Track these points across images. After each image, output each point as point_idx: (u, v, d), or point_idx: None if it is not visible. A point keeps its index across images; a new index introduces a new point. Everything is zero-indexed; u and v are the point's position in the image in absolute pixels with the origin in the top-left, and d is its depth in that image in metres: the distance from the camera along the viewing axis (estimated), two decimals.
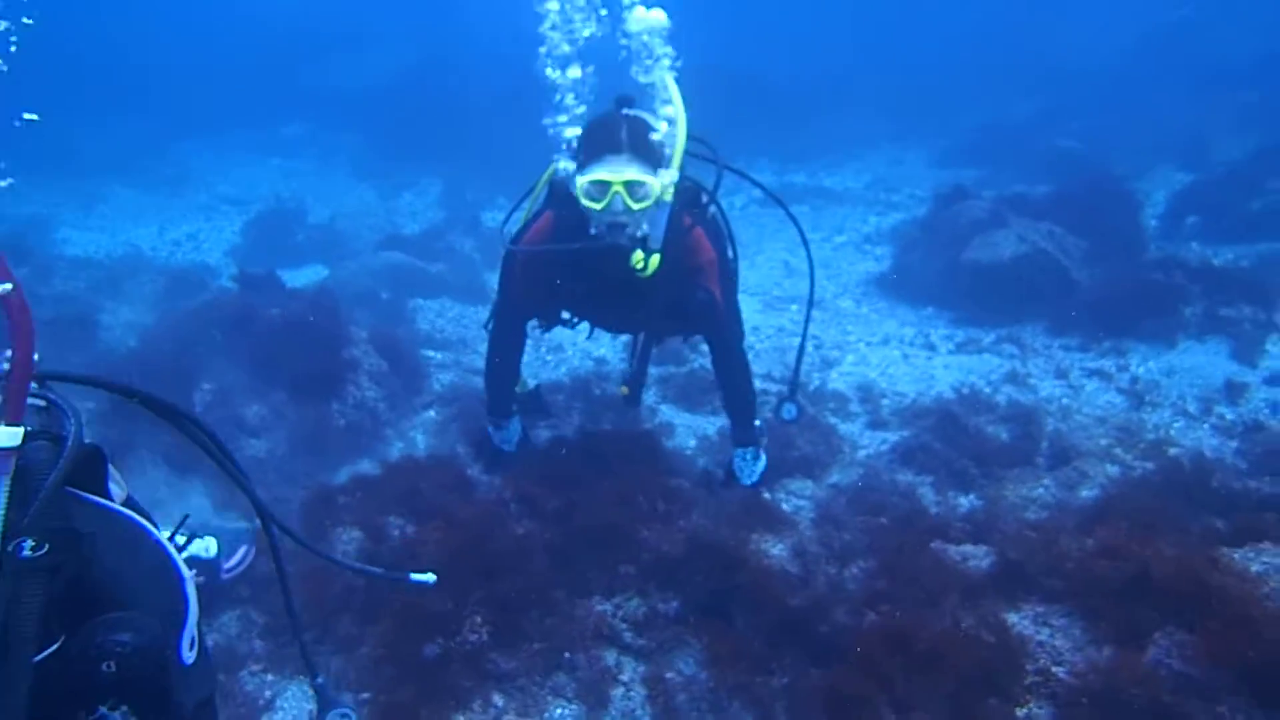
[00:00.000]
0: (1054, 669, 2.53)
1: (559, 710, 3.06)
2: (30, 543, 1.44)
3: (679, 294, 3.47)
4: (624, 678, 3.16)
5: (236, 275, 6.40)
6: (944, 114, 13.64)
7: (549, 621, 3.23)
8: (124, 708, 1.75)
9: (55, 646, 1.51)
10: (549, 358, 5.99)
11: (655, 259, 3.20)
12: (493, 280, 4.48)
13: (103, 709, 1.72)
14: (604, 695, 3.09)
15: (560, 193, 3.44)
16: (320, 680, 2.18)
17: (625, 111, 3.28)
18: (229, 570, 3.15)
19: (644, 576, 3.31)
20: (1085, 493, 3.93)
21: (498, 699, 3.05)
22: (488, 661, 3.12)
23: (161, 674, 1.68)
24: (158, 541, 1.76)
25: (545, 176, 3.70)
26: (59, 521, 1.51)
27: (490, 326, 3.97)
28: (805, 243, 4.48)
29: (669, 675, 3.16)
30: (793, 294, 7.76)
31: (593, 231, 3.27)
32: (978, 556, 3.03)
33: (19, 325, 1.52)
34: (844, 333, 6.73)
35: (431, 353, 6.30)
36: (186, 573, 1.78)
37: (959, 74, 14.75)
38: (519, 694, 3.09)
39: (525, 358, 4.11)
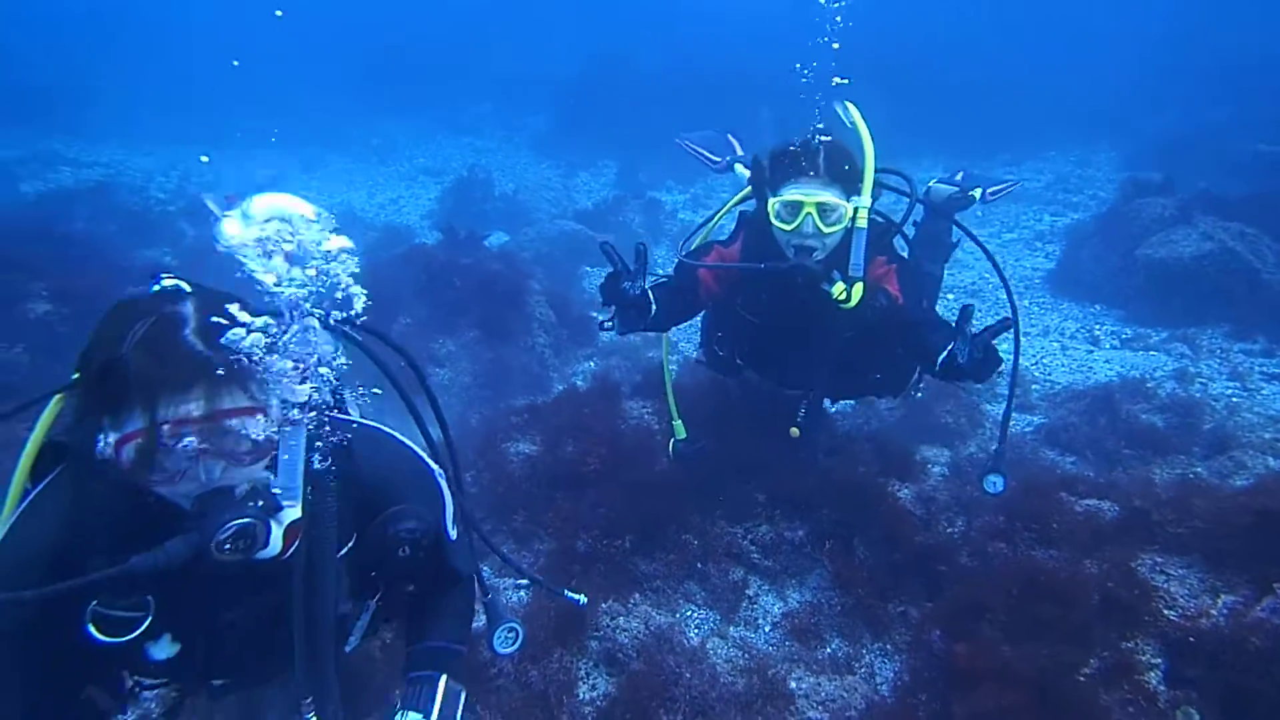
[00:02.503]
0: (1165, 611, 2.61)
1: (689, 611, 3.41)
2: (317, 456, 1.72)
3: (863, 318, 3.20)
4: (749, 592, 3.47)
5: (444, 229, 7.16)
6: (1136, 117, 12.93)
7: (685, 537, 3.59)
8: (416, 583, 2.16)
9: (351, 544, 1.89)
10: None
11: (859, 288, 3.05)
12: (657, 252, 4.45)
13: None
14: (731, 604, 3.42)
15: (749, 219, 3.43)
16: (490, 598, 2.38)
17: (822, 138, 3.23)
18: None
19: (773, 505, 3.59)
20: (1239, 481, 3.85)
21: (636, 596, 3.43)
22: (630, 564, 3.52)
23: (441, 550, 2.09)
24: (402, 442, 2.08)
25: (732, 202, 3.77)
26: (333, 430, 1.77)
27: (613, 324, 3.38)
28: (1011, 299, 3.86)
29: (792, 594, 3.45)
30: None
31: (782, 255, 3.19)
32: (1103, 508, 3.11)
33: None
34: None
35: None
36: (434, 465, 2.09)
37: (1155, 76, 13.90)
38: (654, 594, 3.46)
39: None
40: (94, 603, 1.63)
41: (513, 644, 2.37)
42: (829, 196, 3.06)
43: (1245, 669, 2.33)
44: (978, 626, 2.77)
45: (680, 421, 3.79)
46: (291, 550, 1.63)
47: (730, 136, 5.06)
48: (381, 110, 15.88)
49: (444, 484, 2.11)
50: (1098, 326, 6.54)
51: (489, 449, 4.13)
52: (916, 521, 3.41)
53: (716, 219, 3.84)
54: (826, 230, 3.08)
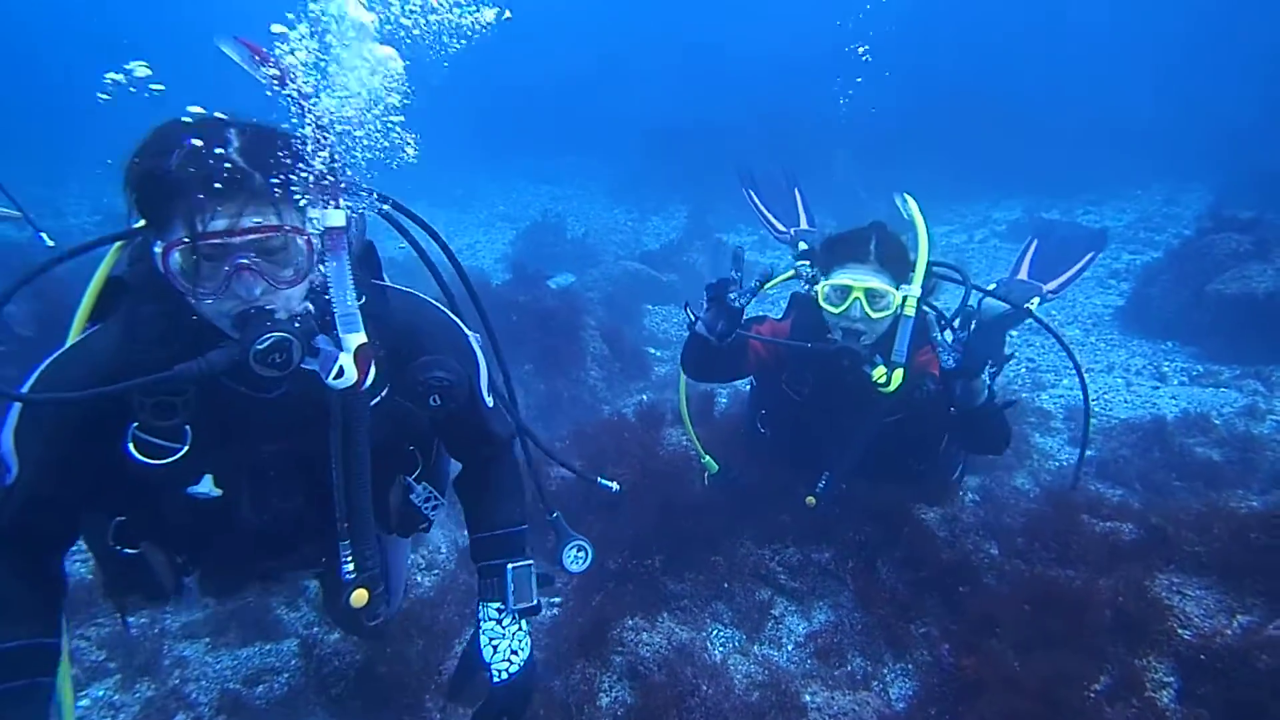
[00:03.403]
0: (1180, 631, 2.56)
1: (715, 631, 3.48)
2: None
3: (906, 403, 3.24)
4: (775, 612, 3.52)
5: (514, 270, 7.55)
6: (1229, 156, 12.48)
7: (713, 558, 3.67)
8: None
9: (384, 393, 1.94)
10: None
11: (899, 374, 3.07)
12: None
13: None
14: (756, 624, 3.47)
15: (802, 298, 3.48)
16: (556, 515, 2.49)
17: (877, 226, 3.28)
18: None
19: (801, 527, 3.64)
20: None
21: (665, 615, 3.51)
22: (659, 583, 3.61)
23: (475, 405, 2.15)
24: (438, 305, 2.18)
25: (782, 277, 3.87)
26: (369, 276, 1.89)
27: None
28: (1081, 381, 4.00)
29: (817, 614, 3.49)
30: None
31: (830, 337, 3.25)
32: (1123, 530, 3.07)
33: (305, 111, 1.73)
34: (1064, 358, 6.54)
35: (653, 350, 7.00)
36: (469, 332, 2.17)
37: (1256, 113, 13.42)
38: (682, 613, 3.54)
39: None
40: (134, 424, 1.75)
41: (583, 562, 2.45)
42: (878, 283, 3.10)
43: (1257, 685, 2.28)
44: (987, 640, 2.77)
45: (710, 458, 3.90)
46: (369, 379, 1.73)
47: (796, 191, 5.15)
48: (470, 162, 16.67)
49: (478, 349, 2.19)
50: (1166, 363, 6.35)
51: (530, 471, 4.31)
52: (940, 543, 3.41)
53: (771, 286, 3.87)
54: (874, 316, 3.12)
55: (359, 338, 1.71)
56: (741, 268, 3.24)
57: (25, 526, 1.81)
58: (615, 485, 2.90)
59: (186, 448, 1.78)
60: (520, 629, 2.19)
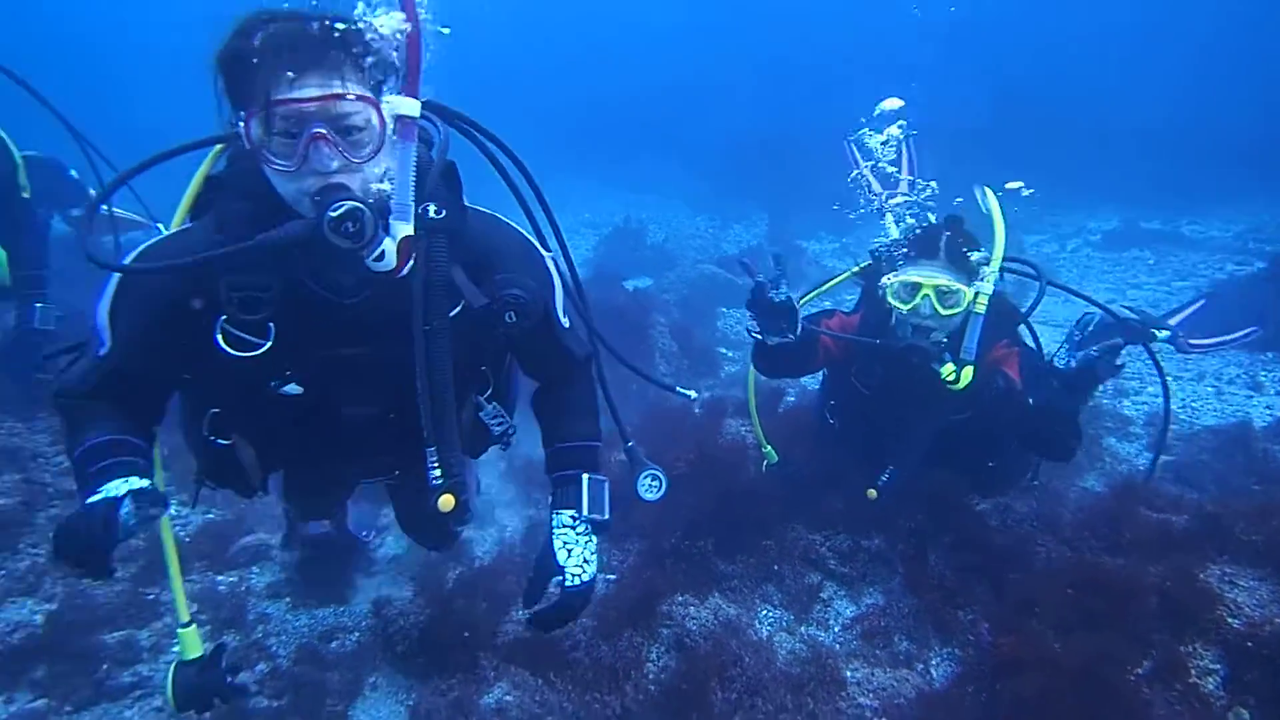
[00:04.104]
0: (1229, 620, 2.50)
1: (764, 611, 3.53)
2: (433, 207, 1.88)
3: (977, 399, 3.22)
4: (824, 595, 3.56)
5: (594, 270, 7.76)
6: None
7: (765, 542, 3.73)
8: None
9: (460, 306, 1.99)
10: None
11: (968, 371, 3.05)
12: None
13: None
14: (804, 606, 3.52)
15: (870, 294, 3.47)
16: (631, 444, 2.52)
17: (950, 223, 3.27)
18: None
19: (852, 513, 3.66)
20: None
21: (715, 594, 3.59)
22: (710, 564, 3.69)
23: (550, 324, 2.19)
24: (517, 228, 2.20)
25: (845, 275, 3.84)
26: (450, 195, 1.95)
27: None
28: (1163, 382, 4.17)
29: (866, 599, 3.51)
30: None
31: (896, 331, 3.28)
32: (1178, 521, 2.99)
33: (407, 4, 1.75)
34: (1150, 365, 6.29)
35: (724, 350, 7.08)
36: (545, 252, 2.20)
37: None
38: (732, 593, 3.61)
39: None
40: (223, 318, 1.86)
41: (657, 490, 2.44)
42: (947, 280, 3.09)
43: None
44: (1027, 621, 2.75)
45: (770, 447, 3.95)
46: (406, 268, 1.79)
47: (906, 143, 4.88)
48: (560, 170, 17.07)
49: (554, 270, 2.22)
50: (1264, 373, 6.06)
51: (606, 404, 4.45)
52: (991, 531, 3.39)
53: (826, 287, 3.93)
54: (945, 312, 3.10)
55: (407, 228, 1.78)
56: (785, 268, 3.21)
57: (114, 397, 1.96)
58: (693, 393, 2.91)
59: (269, 344, 1.88)
60: (590, 540, 2.22)
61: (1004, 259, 3.27)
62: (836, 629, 3.40)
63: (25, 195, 4.24)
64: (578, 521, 2.22)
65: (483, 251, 2.04)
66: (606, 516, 2.25)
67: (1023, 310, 3.40)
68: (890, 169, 3.87)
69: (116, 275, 1.93)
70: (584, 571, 2.17)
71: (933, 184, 3.56)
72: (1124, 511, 3.21)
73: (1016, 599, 2.98)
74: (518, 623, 3.31)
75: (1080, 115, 13.27)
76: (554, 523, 2.24)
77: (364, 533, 3.93)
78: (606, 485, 2.29)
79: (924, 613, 3.30)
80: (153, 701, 3.13)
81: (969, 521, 3.44)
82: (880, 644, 3.23)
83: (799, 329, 3.22)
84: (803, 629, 3.41)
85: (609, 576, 3.81)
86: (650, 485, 2.44)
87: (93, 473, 1.82)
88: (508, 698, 2.97)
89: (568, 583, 2.14)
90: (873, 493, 3.44)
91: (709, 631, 3.25)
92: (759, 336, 3.35)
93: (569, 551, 2.18)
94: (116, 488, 1.79)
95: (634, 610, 3.34)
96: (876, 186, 4.63)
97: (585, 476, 2.26)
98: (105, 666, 3.20)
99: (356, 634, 3.52)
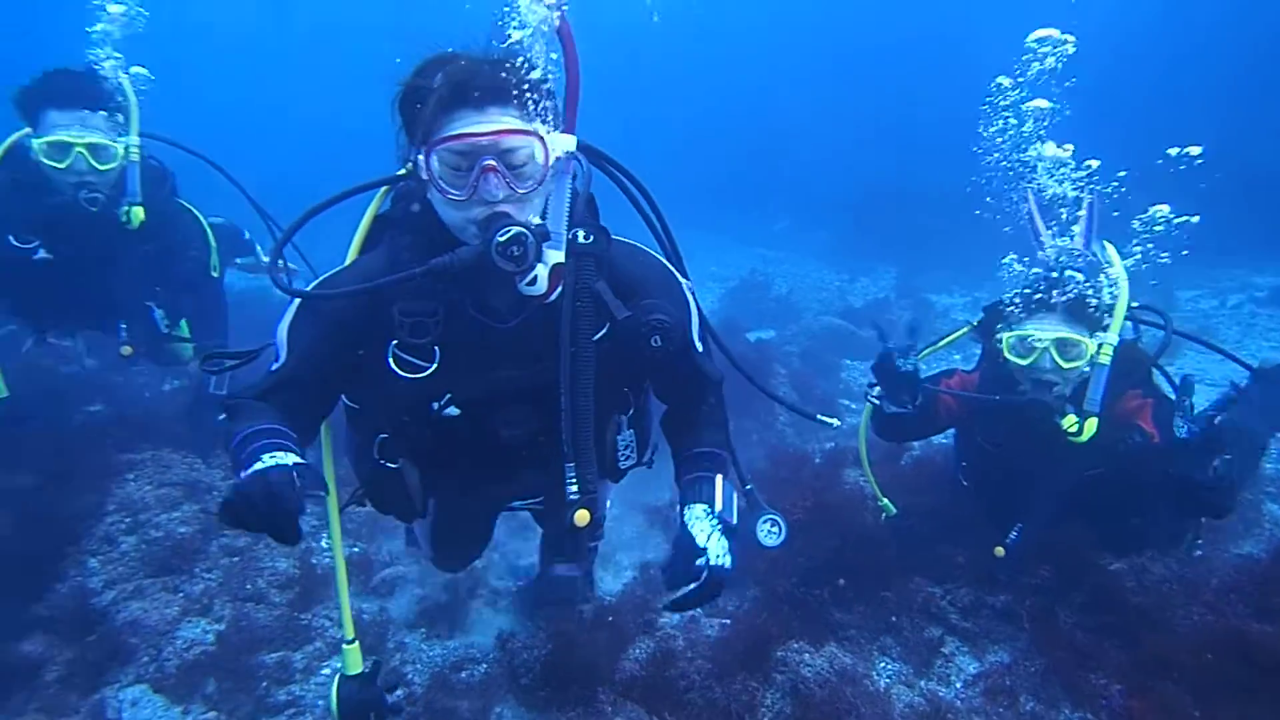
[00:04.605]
0: None
1: (882, 663, 3.50)
2: (582, 233, 2.03)
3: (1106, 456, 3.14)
4: (945, 650, 3.49)
5: (716, 322, 7.88)
6: None
7: (883, 593, 3.70)
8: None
9: (605, 330, 2.11)
10: None
11: (1092, 423, 2.97)
12: None
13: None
14: (924, 659, 3.47)
15: (990, 352, 3.40)
16: (750, 487, 2.50)
17: (1068, 275, 3.21)
18: None
19: (975, 569, 3.59)
20: None
21: (832, 643, 3.58)
22: (826, 613, 3.69)
23: (688, 347, 2.27)
24: (657, 256, 2.32)
25: (961, 332, 3.79)
26: (594, 223, 2.09)
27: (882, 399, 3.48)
28: None
29: (990, 656, 3.42)
30: None
31: (1018, 386, 3.23)
32: None
33: (569, 50, 1.94)
34: None
35: (846, 402, 7.04)
36: (684, 282, 2.31)
37: None
38: (849, 642, 3.60)
39: None
40: (394, 342, 2.03)
41: (777, 536, 2.40)
42: (1067, 332, 3.06)
43: None
44: (1163, 685, 2.63)
45: (887, 500, 3.94)
46: (555, 294, 1.94)
47: (1087, 205, 4.69)
48: (690, 223, 17.43)
49: (691, 297, 2.31)
50: None
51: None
52: (1126, 591, 3.25)
53: (941, 345, 3.90)
54: (1066, 366, 3.06)
55: (558, 256, 1.93)
56: (917, 338, 3.30)
57: (280, 403, 2.05)
58: (836, 421, 2.90)
59: (434, 366, 2.04)
60: (724, 537, 2.17)
61: (1131, 307, 3.20)
62: (958, 685, 3.33)
63: (215, 274, 4.66)
64: (711, 515, 2.19)
65: (627, 277, 2.15)
66: (735, 523, 2.23)
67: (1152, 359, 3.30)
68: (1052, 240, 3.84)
69: (297, 300, 2.10)
70: (725, 557, 2.12)
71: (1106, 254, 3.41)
72: (1275, 575, 3.02)
73: (1153, 661, 2.85)
74: (636, 661, 3.40)
75: (1241, 156, 12.42)
76: (688, 515, 2.22)
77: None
78: (736, 495, 2.30)
79: (1052, 672, 3.19)
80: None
81: (1102, 580, 3.31)
82: (1005, 702, 3.14)
83: (918, 402, 3.24)
84: (922, 683, 3.36)
85: (723, 620, 3.86)
86: (770, 531, 2.42)
87: (256, 446, 1.80)
88: None
89: (710, 562, 2.09)
90: (1000, 551, 3.37)
91: (824, 679, 3.25)
92: (877, 402, 3.39)
93: (707, 536, 2.14)
94: (283, 458, 1.74)
95: (748, 654, 3.38)
96: (1047, 240, 4.60)
97: (719, 477, 2.27)
98: (264, 685, 3.50)
99: (484, 665, 3.70)
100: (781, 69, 26.83)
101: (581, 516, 2.10)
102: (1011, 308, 3.25)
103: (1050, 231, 4.40)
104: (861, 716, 3.02)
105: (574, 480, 2.10)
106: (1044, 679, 3.19)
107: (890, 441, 3.98)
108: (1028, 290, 3.22)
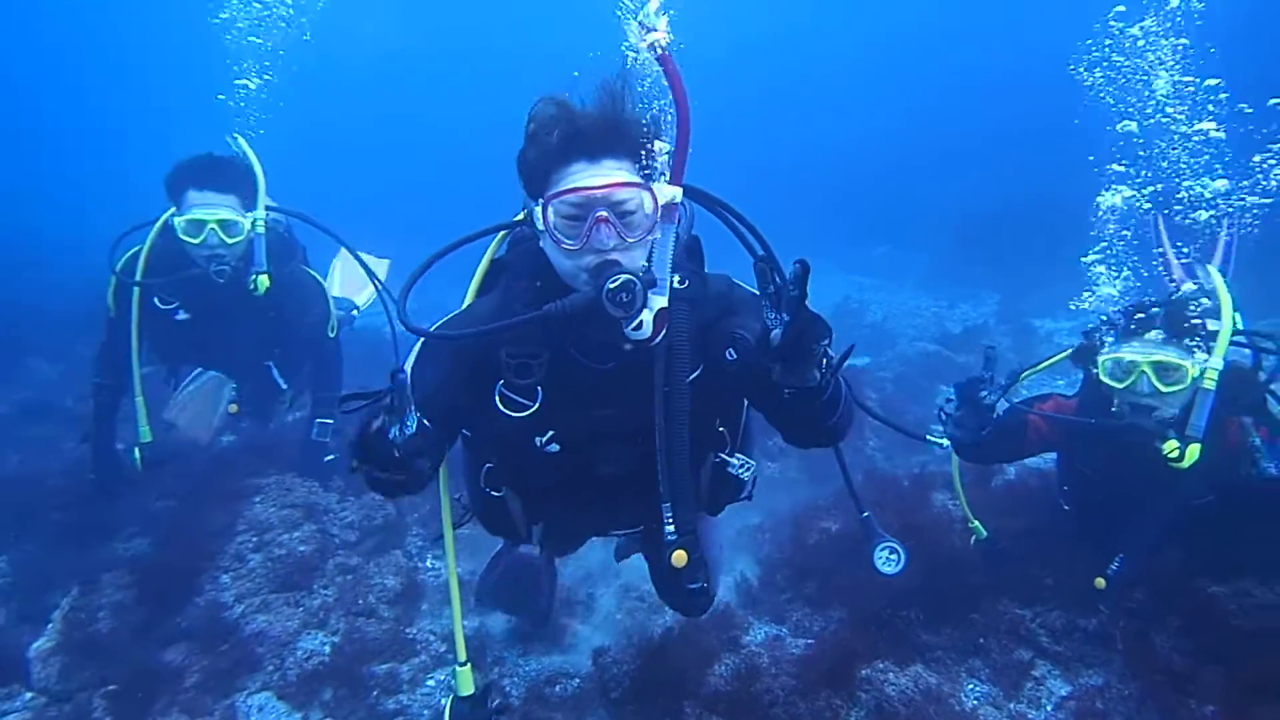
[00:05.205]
0: None
1: (970, 685, 3.48)
2: (676, 278, 2.07)
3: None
4: (1036, 673, 3.44)
5: None
6: None
7: (971, 615, 3.68)
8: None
9: (699, 372, 2.13)
10: None
11: (1194, 449, 2.90)
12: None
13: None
14: (1014, 682, 3.43)
15: (1091, 377, 3.34)
16: (867, 515, 2.59)
17: (1168, 297, 3.20)
18: None
19: (1064, 591, 3.54)
20: None
21: (918, 663, 3.58)
22: (914, 634, 3.70)
23: None
24: (748, 287, 2.29)
25: (1059, 356, 3.76)
26: (692, 266, 2.17)
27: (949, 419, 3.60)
28: None
29: (1082, 680, 3.36)
30: None
31: (1114, 410, 3.20)
32: None
33: (677, 88, 1.96)
34: None
35: (936, 426, 6.94)
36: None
37: None
38: (935, 663, 3.59)
39: None
40: (501, 382, 2.13)
41: (896, 564, 2.46)
42: (1166, 356, 3.01)
43: None
44: (1263, 709, 2.55)
45: (978, 522, 3.93)
46: (660, 337, 1.97)
47: (1224, 233, 4.63)
48: (785, 251, 17.41)
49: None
50: None
51: (797, 525, 4.61)
52: (1227, 615, 3.15)
53: (1039, 369, 3.90)
54: (1166, 390, 3.01)
55: (662, 301, 1.97)
56: (994, 367, 3.33)
57: None
58: (945, 441, 2.94)
59: (537, 405, 2.13)
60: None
61: (1239, 332, 3.14)
62: (1049, 708, 3.29)
63: (332, 335, 5.08)
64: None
65: (719, 308, 2.21)
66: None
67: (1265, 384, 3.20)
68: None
69: (421, 339, 2.20)
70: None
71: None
72: None
73: (1253, 686, 2.77)
74: (721, 676, 3.48)
75: None
76: None
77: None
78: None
79: (1147, 697, 3.12)
80: None
81: (1200, 603, 3.22)
82: None
83: (983, 431, 3.26)
84: (1011, 705, 3.33)
85: (808, 640, 3.91)
86: (889, 558, 2.47)
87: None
88: None
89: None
90: (1101, 582, 3.30)
91: (909, 699, 3.26)
92: (945, 418, 3.46)
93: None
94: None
95: (832, 672, 3.42)
96: (1177, 272, 4.39)
97: None
98: (375, 694, 3.75)
99: (577, 680, 3.85)
100: (882, 95, 26.68)
101: (679, 557, 2.16)
102: (1111, 330, 3.22)
103: (1181, 262, 4.38)
104: None
105: (670, 520, 2.17)
106: (1139, 704, 3.12)
107: (974, 463, 3.96)
108: (1130, 311, 3.18)
